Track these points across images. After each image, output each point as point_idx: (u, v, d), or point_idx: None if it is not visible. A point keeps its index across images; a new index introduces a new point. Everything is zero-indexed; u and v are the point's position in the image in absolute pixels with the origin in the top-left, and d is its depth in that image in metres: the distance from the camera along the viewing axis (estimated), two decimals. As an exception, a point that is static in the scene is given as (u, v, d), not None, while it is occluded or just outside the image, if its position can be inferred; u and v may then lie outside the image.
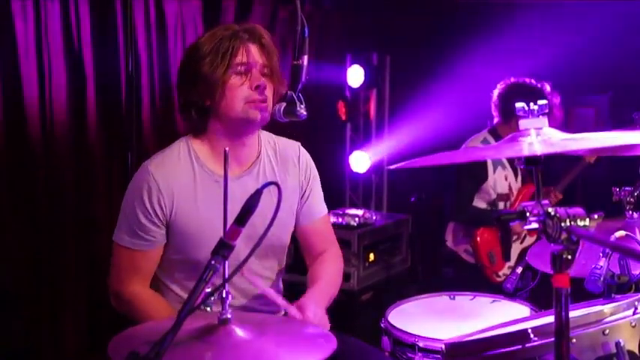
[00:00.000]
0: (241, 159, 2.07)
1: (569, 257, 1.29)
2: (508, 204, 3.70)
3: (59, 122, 3.27)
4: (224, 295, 1.50)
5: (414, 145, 4.52)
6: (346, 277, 3.17)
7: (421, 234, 4.72)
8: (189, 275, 2.02)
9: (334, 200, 4.47)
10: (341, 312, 2.47)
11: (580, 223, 1.30)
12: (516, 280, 2.30)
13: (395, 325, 2.23)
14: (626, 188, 2.15)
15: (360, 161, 5.08)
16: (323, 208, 2.27)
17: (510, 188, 3.74)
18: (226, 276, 1.48)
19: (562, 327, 1.32)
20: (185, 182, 2.00)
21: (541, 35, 4.70)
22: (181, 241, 2.01)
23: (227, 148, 1.59)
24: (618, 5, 4.48)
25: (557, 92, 3.67)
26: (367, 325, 3.68)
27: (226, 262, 1.45)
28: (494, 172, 3.66)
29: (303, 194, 2.19)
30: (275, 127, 2.09)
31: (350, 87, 5.06)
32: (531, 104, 1.48)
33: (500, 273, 3.67)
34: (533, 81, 3.63)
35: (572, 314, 1.35)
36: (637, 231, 2.00)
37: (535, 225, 1.35)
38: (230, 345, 1.48)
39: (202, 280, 1.37)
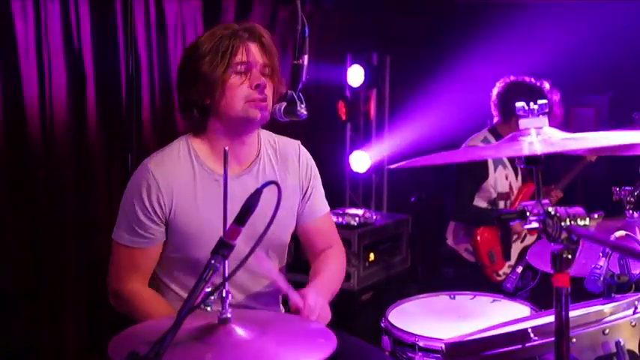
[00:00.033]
0: (241, 158, 2.07)
1: (570, 257, 1.29)
2: (508, 203, 3.69)
3: (59, 122, 3.27)
4: (224, 295, 1.50)
5: (414, 145, 4.52)
6: (346, 277, 3.17)
7: (421, 234, 4.72)
8: (189, 274, 2.02)
9: (334, 200, 4.43)
10: (341, 312, 2.46)
11: (580, 222, 1.30)
12: (516, 279, 2.30)
13: (395, 324, 2.23)
14: (626, 188, 2.15)
15: (360, 161, 5.08)
16: (325, 206, 2.27)
17: (511, 187, 3.73)
18: (226, 275, 1.48)
19: (562, 326, 1.32)
20: (185, 181, 2.00)
21: (541, 35, 4.69)
22: (180, 240, 2.00)
23: (227, 147, 1.60)
24: (618, 5, 4.47)
25: (557, 89, 3.66)
26: (367, 324, 3.68)
27: (226, 262, 1.45)
28: (495, 170, 3.65)
29: (305, 193, 2.19)
30: (275, 126, 2.08)
31: (350, 87, 5.06)
32: (531, 104, 1.48)
33: (501, 272, 3.67)
34: (532, 79, 3.62)
35: (572, 314, 1.36)
36: (637, 230, 2.00)
37: (535, 224, 1.35)
38: (230, 344, 1.48)
39: (202, 280, 1.37)
